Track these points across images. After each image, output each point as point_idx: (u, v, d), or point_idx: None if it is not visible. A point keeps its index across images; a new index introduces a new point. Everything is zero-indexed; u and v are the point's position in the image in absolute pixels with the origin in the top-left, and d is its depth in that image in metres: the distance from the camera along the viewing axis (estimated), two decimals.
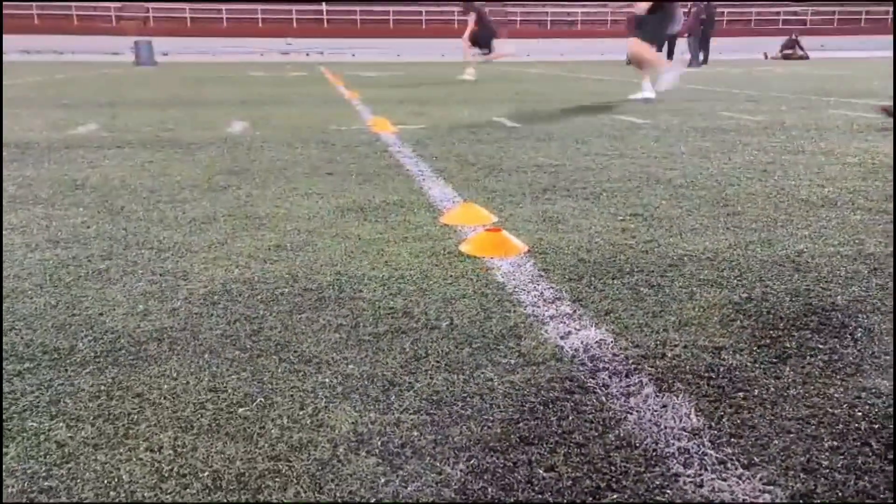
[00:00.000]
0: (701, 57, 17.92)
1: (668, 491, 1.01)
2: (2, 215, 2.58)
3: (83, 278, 1.92)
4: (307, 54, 23.55)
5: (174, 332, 1.56)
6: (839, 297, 1.77)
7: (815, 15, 36.11)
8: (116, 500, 1.00)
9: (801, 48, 22.19)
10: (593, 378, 1.35)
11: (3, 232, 2.36)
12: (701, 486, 1.02)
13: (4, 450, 1.11)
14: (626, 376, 1.36)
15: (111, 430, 1.16)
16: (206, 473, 1.05)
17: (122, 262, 2.07)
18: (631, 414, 1.22)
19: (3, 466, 1.07)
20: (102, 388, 1.31)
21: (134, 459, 1.09)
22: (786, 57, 21.86)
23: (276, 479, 1.04)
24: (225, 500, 1.00)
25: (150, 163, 3.79)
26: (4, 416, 1.20)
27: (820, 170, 3.51)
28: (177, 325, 1.61)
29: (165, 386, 1.32)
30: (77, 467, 1.07)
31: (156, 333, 1.56)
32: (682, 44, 17.88)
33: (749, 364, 1.40)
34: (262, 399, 1.27)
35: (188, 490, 1.02)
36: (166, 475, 1.05)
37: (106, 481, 1.04)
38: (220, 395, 1.29)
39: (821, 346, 1.48)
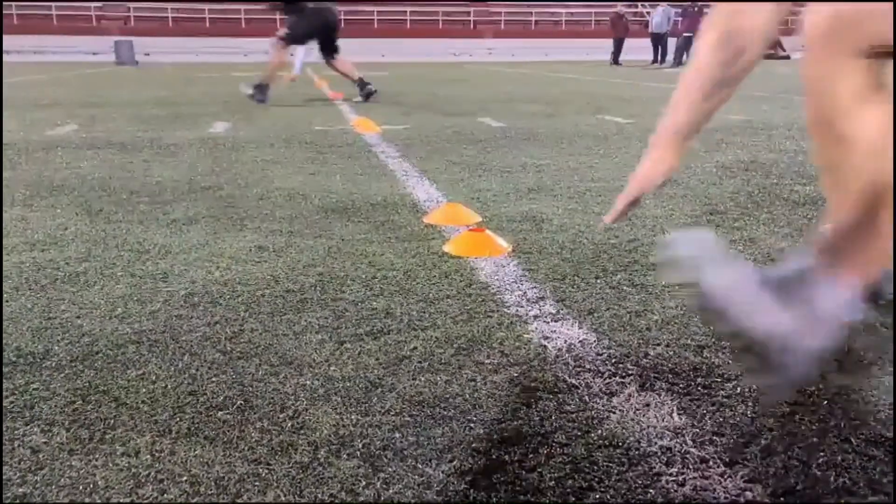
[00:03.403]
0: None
1: (651, 490, 1.01)
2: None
3: (60, 281, 1.89)
4: (291, 54, 23.44)
5: (153, 335, 1.54)
6: None
7: (793, 15, 36.47)
8: None
9: (782, 48, 22.43)
10: (576, 378, 1.35)
11: None
12: (683, 484, 1.02)
13: None
14: (609, 376, 1.36)
15: (86, 435, 1.14)
16: (185, 478, 1.04)
17: (100, 264, 2.04)
18: (614, 413, 1.22)
19: None
20: (78, 392, 1.28)
21: (110, 465, 1.07)
22: (767, 57, 22.07)
23: (256, 484, 1.03)
24: None
25: (131, 163, 3.74)
26: None
27: (801, 169, 3.54)
28: (156, 327, 1.59)
29: (143, 389, 1.30)
30: (51, 473, 1.05)
31: (134, 336, 1.54)
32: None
33: (731, 362, 1.41)
34: (242, 402, 1.26)
35: (166, 495, 1.00)
36: (143, 480, 1.03)
37: (81, 487, 1.02)
38: (200, 399, 1.27)
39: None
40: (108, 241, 2.28)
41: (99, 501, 0.99)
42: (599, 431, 1.16)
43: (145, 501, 0.99)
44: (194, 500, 0.99)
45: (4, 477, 1.04)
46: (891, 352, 1.44)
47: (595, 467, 1.06)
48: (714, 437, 1.14)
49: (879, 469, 1.05)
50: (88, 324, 1.60)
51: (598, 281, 1.89)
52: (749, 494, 1.00)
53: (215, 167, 3.64)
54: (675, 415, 1.21)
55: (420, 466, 1.07)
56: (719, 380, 1.33)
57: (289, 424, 1.18)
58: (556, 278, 1.91)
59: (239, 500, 0.99)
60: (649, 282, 1.88)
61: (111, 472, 1.05)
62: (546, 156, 3.96)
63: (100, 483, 1.02)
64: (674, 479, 1.03)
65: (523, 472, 1.05)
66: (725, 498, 0.99)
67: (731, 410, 1.22)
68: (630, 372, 1.37)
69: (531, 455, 1.09)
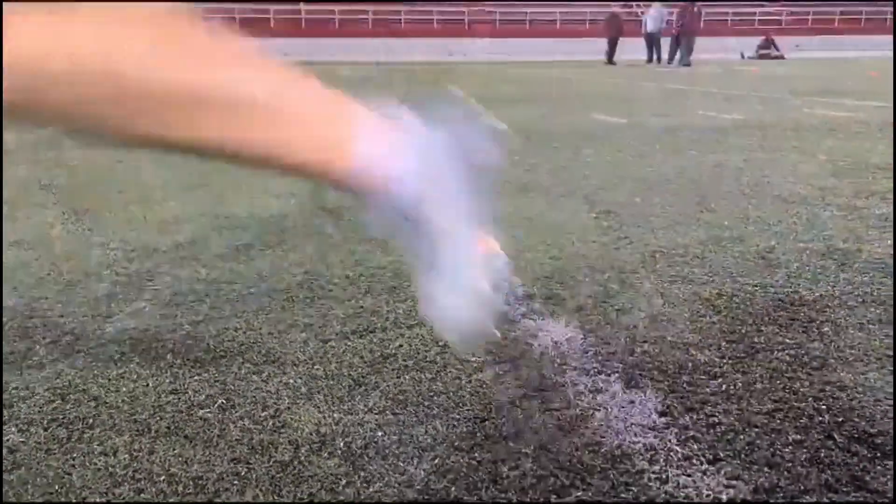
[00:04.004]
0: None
1: (633, 488, 1.01)
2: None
3: (44, 280, 1.87)
4: (285, 54, 23.40)
5: (136, 334, 1.53)
6: (807, 292, 1.77)
7: (789, 16, 36.63)
8: None
9: (777, 48, 22.50)
10: (562, 375, 1.34)
11: None
12: (666, 482, 1.02)
13: None
14: (595, 374, 1.35)
15: (64, 435, 1.13)
16: (162, 477, 1.03)
17: (85, 263, 2.02)
18: (598, 411, 1.21)
19: None
20: (58, 391, 1.27)
21: (87, 464, 1.05)
22: (762, 56, 22.14)
23: (235, 482, 1.02)
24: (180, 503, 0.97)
25: (120, 163, 3.72)
26: None
27: (793, 167, 3.54)
28: (139, 326, 1.57)
29: (124, 388, 1.29)
30: (28, 473, 1.03)
31: (117, 335, 1.52)
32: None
33: (717, 360, 1.40)
34: (224, 400, 1.25)
35: (142, 495, 0.99)
36: (120, 480, 1.02)
37: (57, 487, 1.00)
38: (181, 398, 1.26)
39: (788, 341, 1.49)
40: (94, 240, 2.26)
41: (74, 501, 0.98)
42: (583, 429, 1.15)
43: (121, 501, 0.98)
44: (171, 500, 0.98)
45: None
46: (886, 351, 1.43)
47: (578, 465, 1.05)
48: (698, 435, 1.13)
49: (862, 466, 1.04)
50: (71, 322, 1.59)
51: (586, 279, 1.88)
52: (732, 492, 0.99)
53: (205, 166, 3.62)
54: (659, 412, 1.20)
55: (402, 465, 1.06)
56: (704, 377, 1.32)
57: (270, 423, 1.17)
58: (545, 276, 1.90)
59: (217, 500, 0.98)
60: (637, 280, 1.87)
61: (88, 471, 1.04)
62: (538, 154, 3.95)
63: (76, 482, 1.01)
64: (656, 476, 1.03)
65: (506, 470, 1.04)
66: (708, 495, 0.99)
67: (715, 408, 1.21)
68: (615, 370, 1.36)
69: (514, 453, 1.08)
